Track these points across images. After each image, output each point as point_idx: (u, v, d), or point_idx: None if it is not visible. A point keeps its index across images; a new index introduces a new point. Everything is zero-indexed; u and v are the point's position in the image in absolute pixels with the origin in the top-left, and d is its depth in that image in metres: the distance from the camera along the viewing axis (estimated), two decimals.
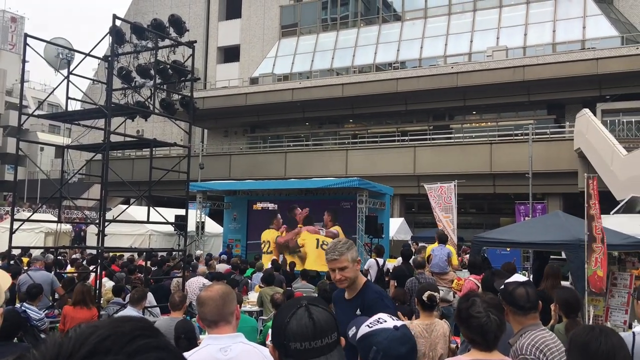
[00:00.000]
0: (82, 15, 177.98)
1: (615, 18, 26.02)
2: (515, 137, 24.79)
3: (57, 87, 9.44)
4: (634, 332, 3.53)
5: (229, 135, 35.08)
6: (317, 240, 15.70)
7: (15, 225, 8.74)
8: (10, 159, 44.53)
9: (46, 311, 7.68)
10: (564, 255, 9.68)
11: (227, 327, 2.49)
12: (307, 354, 1.54)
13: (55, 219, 12.44)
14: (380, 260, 11.37)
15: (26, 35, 8.72)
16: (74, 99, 9.22)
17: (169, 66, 9.30)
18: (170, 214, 13.08)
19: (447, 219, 15.05)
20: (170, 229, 16.24)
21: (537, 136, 22.84)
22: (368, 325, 1.88)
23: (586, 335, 2.36)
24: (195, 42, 9.85)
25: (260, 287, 9.68)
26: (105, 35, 8.73)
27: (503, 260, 10.61)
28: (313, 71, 31.40)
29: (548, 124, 25.61)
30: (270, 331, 1.95)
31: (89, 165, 18.89)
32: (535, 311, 3.00)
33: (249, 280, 11.30)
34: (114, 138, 8.64)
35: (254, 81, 32.49)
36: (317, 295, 7.39)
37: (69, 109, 9.40)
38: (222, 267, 12.65)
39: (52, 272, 9.64)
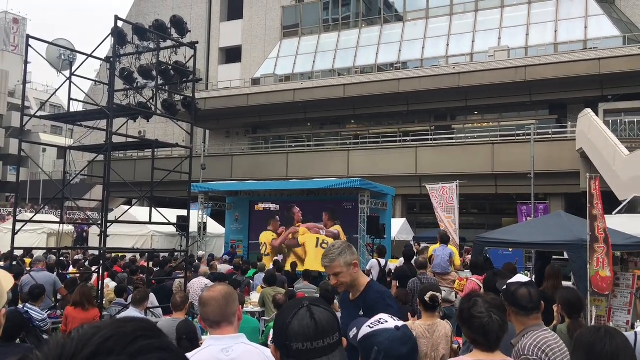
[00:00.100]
0: (84, 16, 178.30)
1: (617, 18, 25.99)
2: (517, 138, 24.76)
3: (59, 88, 9.45)
4: (636, 332, 3.53)
5: (230, 136, 35.10)
6: (318, 239, 15.69)
7: (18, 226, 8.75)
8: (13, 160, 44.60)
9: (49, 312, 7.70)
10: (566, 256, 9.67)
11: (229, 328, 2.49)
12: (309, 354, 1.54)
13: (58, 219, 12.46)
14: (382, 261, 11.37)
15: (28, 37, 8.74)
16: (76, 100, 9.23)
17: (170, 67, 9.31)
18: (172, 214, 13.07)
19: (449, 220, 15.05)
20: (172, 229, 16.25)
21: (539, 136, 22.81)
22: (369, 326, 1.88)
23: (591, 336, 2.36)
24: (197, 43, 9.86)
25: (262, 287, 9.68)
26: (107, 37, 8.74)
27: (505, 260, 10.60)
28: (315, 72, 31.41)
29: (550, 124, 25.59)
30: (272, 332, 1.95)
31: (91, 166, 18.86)
32: (537, 312, 2.99)
33: (251, 281, 11.30)
34: (116, 139, 8.65)
35: (255, 82, 32.51)
36: (319, 295, 7.40)
37: (71, 110, 9.41)
38: (224, 268, 12.66)
39: (55, 273, 9.66)
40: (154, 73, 8.92)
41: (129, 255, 15.07)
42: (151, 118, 9.84)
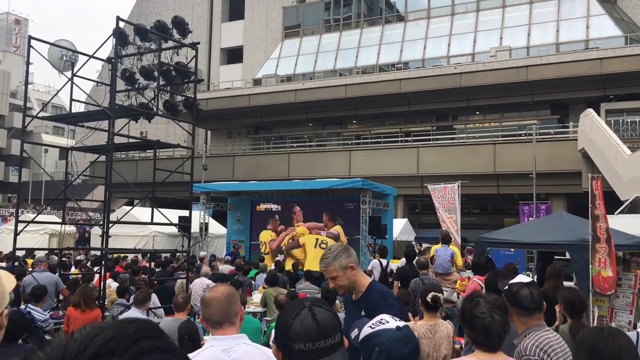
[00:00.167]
0: (85, 17, 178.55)
1: (619, 18, 25.96)
2: (519, 138, 24.72)
3: (61, 89, 9.47)
4: (638, 332, 3.53)
5: (232, 137, 35.11)
6: (317, 240, 15.67)
7: (20, 226, 8.77)
8: (15, 160, 44.70)
9: (51, 312, 7.71)
10: (568, 256, 9.66)
11: (231, 328, 2.49)
12: (310, 354, 1.54)
13: (60, 220, 12.47)
14: (384, 261, 11.37)
15: (30, 38, 8.75)
16: (77, 100, 9.24)
17: (172, 68, 9.32)
18: (174, 215, 13.10)
19: (450, 220, 15.04)
20: (174, 230, 16.28)
21: (540, 136, 22.77)
22: (370, 326, 1.88)
23: (594, 337, 2.36)
24: (199, 43, 9.87)
25: (264, 288, 9.69)
26: (109, 37, 8.76)
27: (507, 260, 10.60)
28: (316, 72, 31.42)
29: (552, 124, 25.54)
30: (273, 332, 1.95)
31: (93, 166, 18.85)
32: (539, 312, 2.99)
33: (253, 281, 11.31)
34: (117, 140, 8.66)
35: (257, 82, 32.53)
36: (320, 296, 7.40)
37: (73, 110, 9.42)
38: (226, 268, 12.67)
39: (57, 274, 9.66)
40: (156, 74, 8.93)
41: (130, 256, 15.08)
42: (153, 119, 9.86)
